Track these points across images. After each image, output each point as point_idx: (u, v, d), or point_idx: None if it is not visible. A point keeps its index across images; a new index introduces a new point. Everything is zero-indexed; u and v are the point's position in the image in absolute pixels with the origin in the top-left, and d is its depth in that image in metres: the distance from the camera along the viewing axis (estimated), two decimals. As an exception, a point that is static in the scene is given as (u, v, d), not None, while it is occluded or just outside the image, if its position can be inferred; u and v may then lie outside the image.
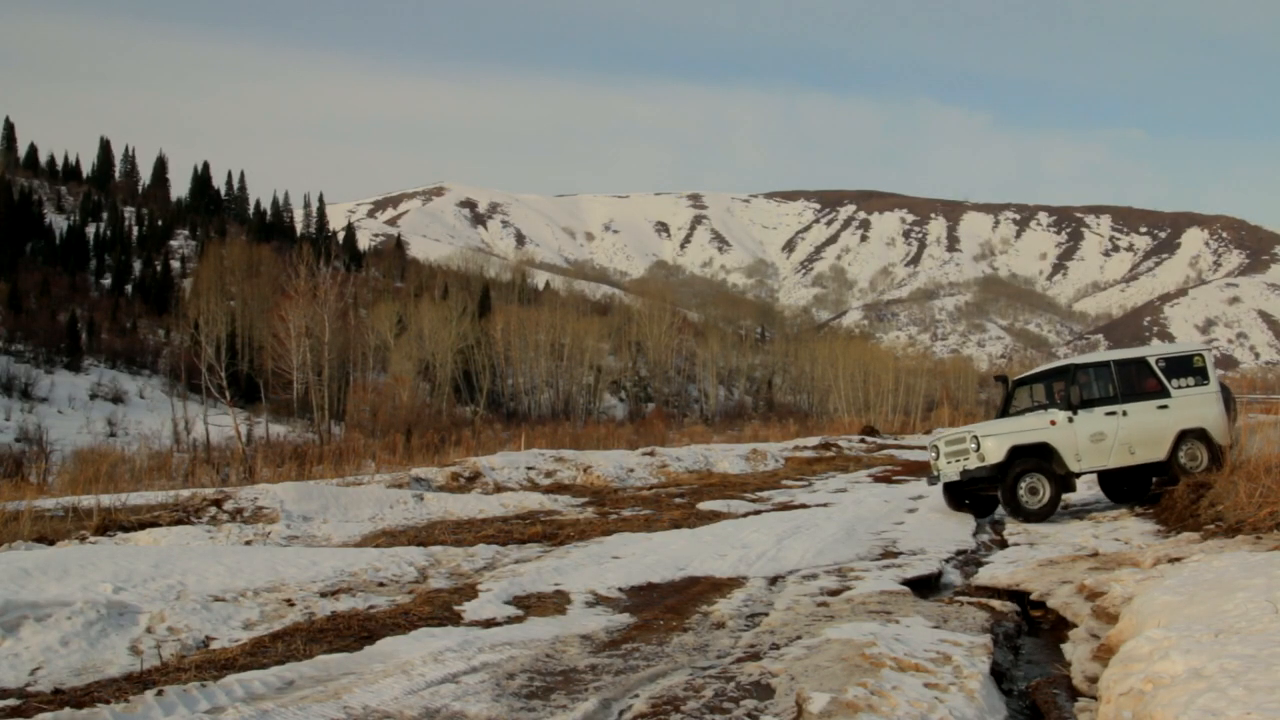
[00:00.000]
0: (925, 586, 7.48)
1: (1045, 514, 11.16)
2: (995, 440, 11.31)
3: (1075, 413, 11.49)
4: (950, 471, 11.85)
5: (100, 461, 19.32)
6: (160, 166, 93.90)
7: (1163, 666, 3.86)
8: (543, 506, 13.00)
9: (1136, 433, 11.56)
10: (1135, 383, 11.86)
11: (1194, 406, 11.77)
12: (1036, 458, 11.29)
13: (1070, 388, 11.60)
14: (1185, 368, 11.96)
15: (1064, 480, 11.48)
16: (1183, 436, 11.65)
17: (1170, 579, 5.60)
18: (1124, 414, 11.58)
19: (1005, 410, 12.81)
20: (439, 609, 6.10)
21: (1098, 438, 11.45)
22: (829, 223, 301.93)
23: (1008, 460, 11.19)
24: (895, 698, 4.15)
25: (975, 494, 12.19)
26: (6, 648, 5.06)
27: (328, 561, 7.45)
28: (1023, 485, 11.18)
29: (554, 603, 6.40)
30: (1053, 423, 11.50)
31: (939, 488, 12.49)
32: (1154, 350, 12.35)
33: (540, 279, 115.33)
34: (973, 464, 11.41)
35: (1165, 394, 11.76)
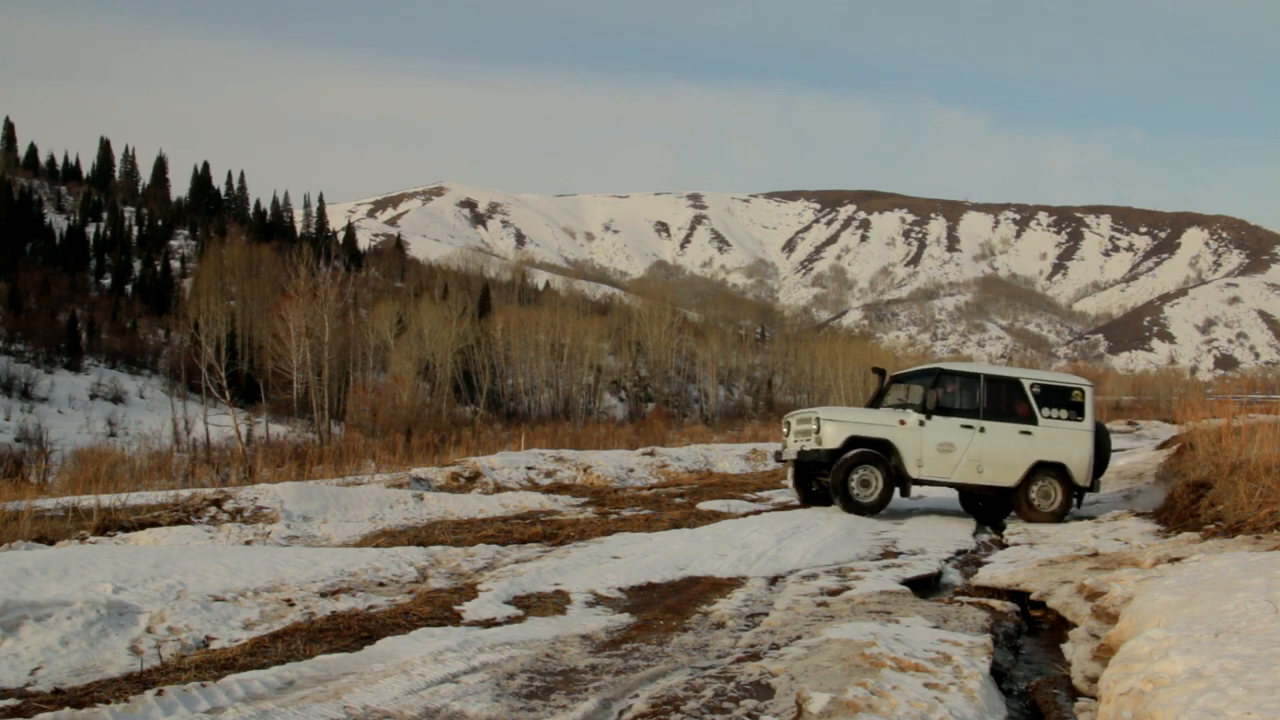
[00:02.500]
0: (925, 586, 7.48)
1: (874, 509, 10.86)
2: (836, 426, 11.01)
3: (929, 417, 11.08)
4: (793, 450, 11.50)
5: (100, 461, 19.33)
6: (160, 166, 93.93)
7: (1163, 666, 3.86)
8: (543, 506, 12.99)
9: (989, 452, 11.19)
10: (1003, 402, 11.45)
11: (1059, 440, 11.35)
12: (875, 452, 10.95)
13: (930, 391, 11.19)
14: (1062, 399, 11.55)
15: (901, 482, 11.11)
16: (1039, 468, 11.26)
17: (1170, 579, 5.61)
18: (981, 430, 11.19)
19: (875, 403, 12.43)
20: (439, 609, 6.10)
21: (946, 448, 11.08)
22: (829, 223, 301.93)
23: (843, 449, 10.89)
24: (895, 698, 4.15)
25: (819, 480, 11.81)
26: (6, 648, 5.06)
27: (328, 561, 7.44)
28: (855, 477, 10.83)
29: (554, 603, 6.39)
30: (901, 422, 11.15)
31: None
32: (1032, 374, 11.93)
33: (540, 279, 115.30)
34: (810, 445, 11.12)
35: (1032, 420, 11.35)
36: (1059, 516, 11.31)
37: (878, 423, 11.22)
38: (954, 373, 11.69)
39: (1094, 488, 11.85)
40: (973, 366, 12.05)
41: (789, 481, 12.22)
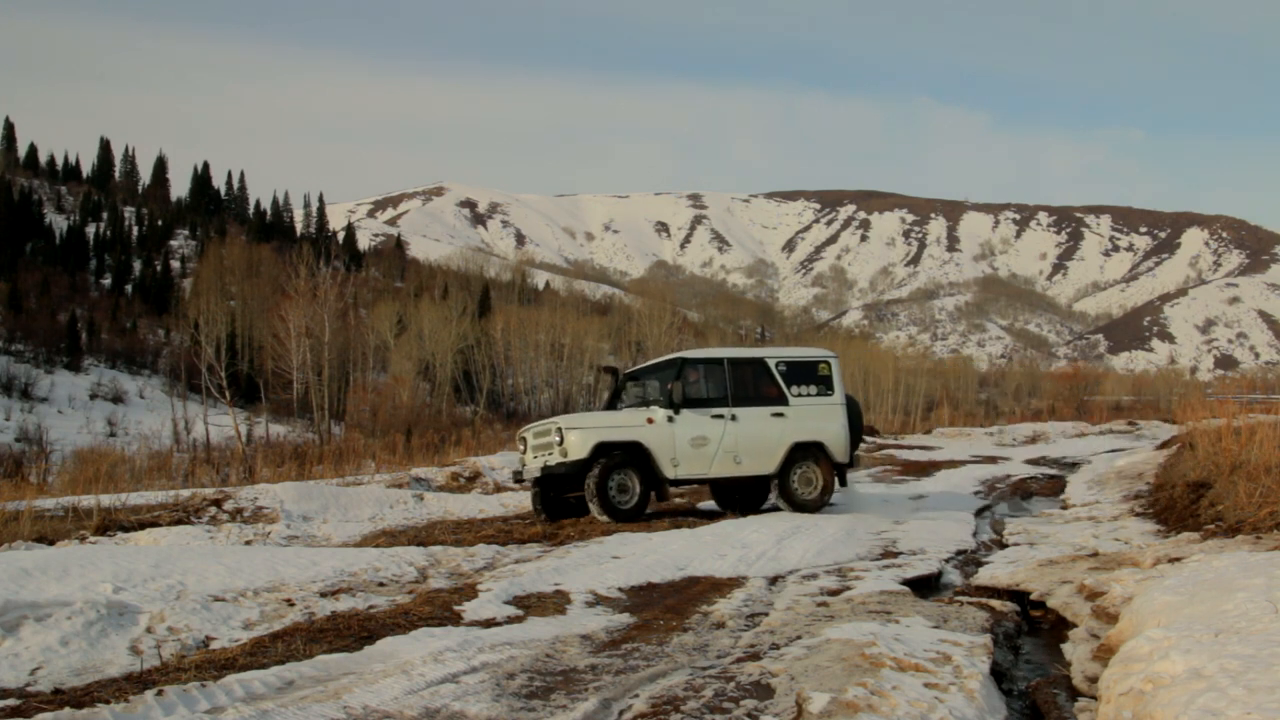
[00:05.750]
0: (925, 586, 7.48)
1: (636, 515, 10.15)
2: (580, 435, 10.16)
3: (678, 412, 10.45)
4: (534, 467, 10.63)
5: (100, 461, 19.33)
6: (160, 166, 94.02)
7: (1163, 666, 3.86)
8: (543, 506, 12.97)
9: (744, 441, 10.65)
10: (751, 385, 10.98)
11: (813, 418, 10.97)
12: (628, 456, 10.25)
13: (675, 384, 10.50)
14: (809, 374, 11.16)
15: (657, 484, 10.47)
16: (797, 450, 10.82)
17: (1170, 579, 5.60)
18: (733, 419, 10.65)
19: (613, 404, 11.82)
20: (439, 609, 6.10)
21: (699, 442, 10.50)
22: (829, 223, 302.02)
23: (592, 458, 10.10)
24: (895, 698, 4.15)
25: (566, 497, 10.88)
26: (6, 648, 5.06)
27: (328, 561, 7.44)
28: (613, 482, 10.13)
29: (554, 603, 6.39)
30: (650, 421, 10.44)
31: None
32: (774, 352, 11.50)
33: (540, 279, 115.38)
34: (555, 459, 10.25)
35: (783, 401, 10.91)
36: (824, 499, 10.91)
37: (625, 425, 10.50)
38: (697, 361, 11.09)
39: (853, 463, 11.48)
40: (715, 352, 11.43)
41: (534, 504, 11.10)
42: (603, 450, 10.19)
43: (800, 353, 11.78)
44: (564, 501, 10.94)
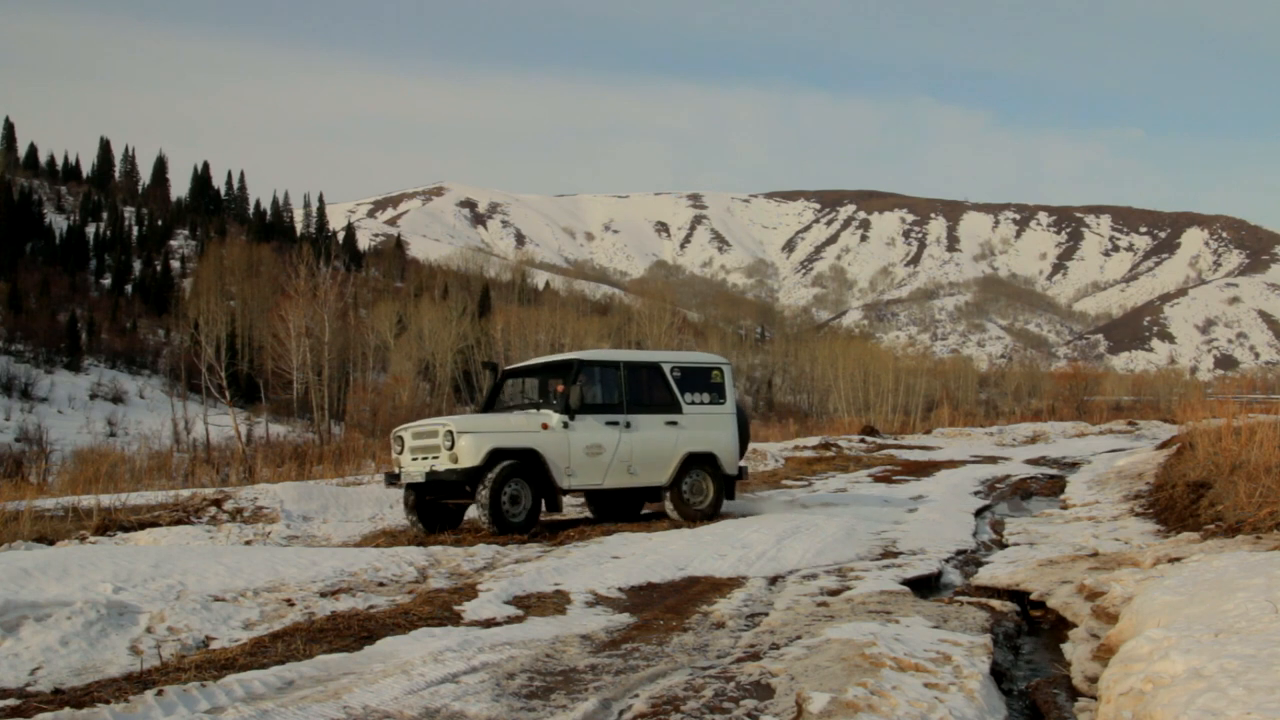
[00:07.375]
0: (925, 586, 7.48)
1: (526, 528, 9.55)
2: (474, 440, 9.41)
3: (573, 418, 9.89)
4: (414, 470, 9.81)
5: (100, 461, 19.29)
6: (160, 166, 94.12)
7: (1162, 666, 3.86)
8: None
9: (639, 450, 10.19)
10: (646, 391, 10.51)
11: (706, 427, 10.66)
12: (522, 464, 9.61)
13: (572, 388, 9.93)
14: (702, 381, 10.84)
15: (550, 494, 9.82)
16: (690, 460, 10.50)
17: (1170, 579, 5.60)
18: (628, 426, 10.17)
19: (491, 403, 11.22)
20: (439, 609, 6.10)
21: (595, 450, 9.95)
22: (829, 223, 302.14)
23: (485, 465, 9.38)
24: (895, 697, 4.15)
25: (444, 503, 10.20)
26: (6, 648, 5.06)
27: (328, 561, 7.44)
28: (506, 493, 9.47)
29: (554, 603, 6.40)
30: (545, 426, 9.82)
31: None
32: (670, 356, 11.11)
33: (540, 279, 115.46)
34: (443, 465, 9.49)
35: (676, 409, 10.55)
36: (714, 509, 10.63)
37: (521, 430, 9.83)
38: (593, 363, 10.52)
39: (742, 475, 11.19)
40: (610, 354, 10.98)
41: (407, 511, 10.27)
42: (496, 457, 9.52)
43: (694, 358, 11.36)
44: (441, 508, 10.28)
